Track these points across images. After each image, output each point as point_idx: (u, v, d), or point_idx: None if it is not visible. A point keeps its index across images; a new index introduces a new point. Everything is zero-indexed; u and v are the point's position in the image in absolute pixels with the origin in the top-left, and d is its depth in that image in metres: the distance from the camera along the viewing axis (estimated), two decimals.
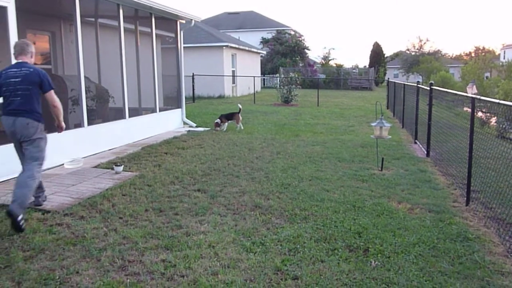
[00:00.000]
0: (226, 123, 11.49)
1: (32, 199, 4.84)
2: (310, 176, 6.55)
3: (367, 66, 50.25)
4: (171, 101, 12.42)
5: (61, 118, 4.76)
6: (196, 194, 5.52)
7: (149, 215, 4.81)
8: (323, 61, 50.51)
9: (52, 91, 4.63)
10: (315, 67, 45.04)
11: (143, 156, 7.98)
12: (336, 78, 41.66)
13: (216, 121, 11.43)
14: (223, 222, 4.56)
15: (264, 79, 41.25)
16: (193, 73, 23.61)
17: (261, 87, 37.76)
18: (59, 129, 4.86)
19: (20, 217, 4.15)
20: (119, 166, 6.76)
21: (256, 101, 23.48)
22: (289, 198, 5.40)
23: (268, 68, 42.39)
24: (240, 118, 11.81)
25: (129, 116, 9.31)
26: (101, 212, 4.87)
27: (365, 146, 9.28)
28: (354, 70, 45.06)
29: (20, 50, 4.70)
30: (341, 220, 4.63)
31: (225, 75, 26.00)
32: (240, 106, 12.45)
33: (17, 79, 4.55)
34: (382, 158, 7.22)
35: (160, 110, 10.91)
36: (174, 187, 5.88)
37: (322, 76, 42.08)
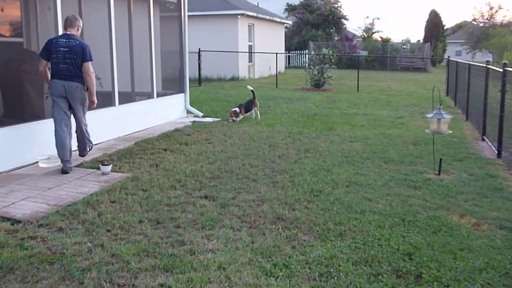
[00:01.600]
0: (242, 115, 11.85)
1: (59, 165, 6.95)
2: (348, 181, 6.63)
3: (422, 41, 49.83)
4: (172, 85, 12.60)
5: (94, 91, 6.92)
6: (202, 202, 5.62)
7: (144, 227, 4.89)
8: (364, 34, 50.28)
9: (90, 63, 6.85)
10: (354, 42, 44.91)
11: (137, 153, 8.13)
12: (381, 56, 41.44)
13: (234, 109, 11.76)
14: (237, 238, 4.63)
15: (289, 56, 41.26)
16: (199, 49, 23.70)
17: (286, 67, 37.88)
18: (91, 103, 7.00)
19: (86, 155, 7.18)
20: (106, 165, 6.86)
21: (279, 84, 23.56)
22: (320, 208, 5.47)
23: (294, 42, 42.39)
24: (258, 104, 12.39)
25: (120, 103, 9.44)
26: (84, 223, 4.95)
27: (418, 144, 9.35)
28: (404, 46, 44.77)
29: (70, 23, 6.92)
30: (386, 238, 4.67)
31: (240, 51, 26.17)
32: (252, 89, 12.65)
33: (65, 49, 6.76)
34: (440, 159, 7.23)
35: (158, 96, 11.09)
36: (175, 193, 5.98)
37: (364, 53, 41.91)
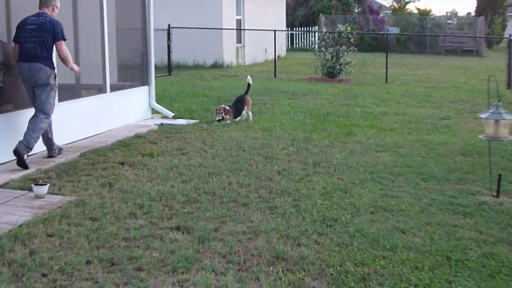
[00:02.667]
0: (229, 120, 12.11)
1: (46, 153, 8.48)
2: (372, 205, 6.68)
3: (473, 14, 50.07)
4: (132, 74, 12.73)
5: (70, 64, 8.32)
6: (173, 236, 5.64)
7: (94, 270, 4.86)
8: (395, 4, 50.52)
9: (63, 42, 8.03)
10: (381, 15, 45.03)
11: (83, 168, 8.17)
12: (418, 34, 41.61)
13: (222, 107, 12.07)
14: (221, 285, 4.62)
15: (292, 35, 41.36)
16: (169, 25, 23.80)
17: (287, 49, 37.97)
18: (75, 72, 8.64)
19: (25, 157, 7.74)
20: (42, 185, 6.86)
21: (279, 73, 23.56)
22: (335, 243, 5.50)
23: (299, 16, 42.53)
24: (250, 101, 12.67)
25: (58, 100, 9.34)
26: (11, 265, 4.91)
27: (469, 154, 9.42)
28: (450, 21, 44.89)
29: (44, 2, 8.09)
30: (426, 283, 4.66)
31: (225, 28, 26.41)
32: (250, 80, 12.90)
33: (33, 26, 7.82)
34: (499, 176, 7.23)
35: (112, 90, 11.20)
36: (136, 223, 6.00)
37: (394, 30, 42.09)
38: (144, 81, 12.55)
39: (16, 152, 7.71)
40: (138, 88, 12.40)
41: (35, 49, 7.90)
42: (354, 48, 22.45)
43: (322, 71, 21.87)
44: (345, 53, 21.67)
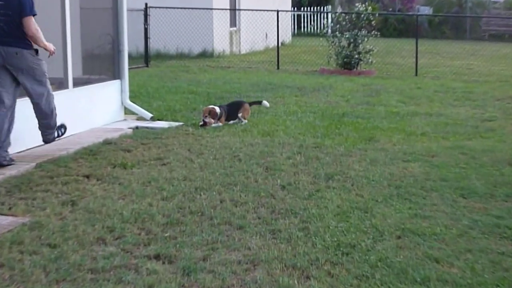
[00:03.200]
0: (221, 123, 12.28)
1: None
2: (399, 228, 6.67)
3: None
4: (100, 66, 12.78)
5: (42, 42, 8.68)
6: (152, 266, 5.61)
7: None
8: None
9: (32, 17, 8.40)
10: None
11: (40, 182, 8.12)
12: (456, 16, 41.50)
13: (208, 109, 12.21)
14: None
15: (298, 16, 41.29)
16: (146, 5, 23.88)
17: (293, 34, 38.26)
18: (50, 52, 8.94)
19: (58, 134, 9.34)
20: None
21: (283, 63, 23.61)
22: (353, 275, 5.48)
23: None
24: (249, 111, 13.02)
25: None
26: None
27: None
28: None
29: None
30: None
31: (216, 8, 26.57)
32: (268, 105, 13.64)
33: (1, 2, 8.30)
34: None
35: (75, 84, 11.20)
36: (106, 250, 5.97)
37: (426, 10, 42.04)
38: (116, 74, 12.50)
39: (48, 141, 9.29)
40: (108, 82, 12.34)
41: (4, 29, 8.41)
42: (376, 32, 22.40)
43: (336, 61, 21.94)
44: (365, 39, 21.67)
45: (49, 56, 9.01)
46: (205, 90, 16.51)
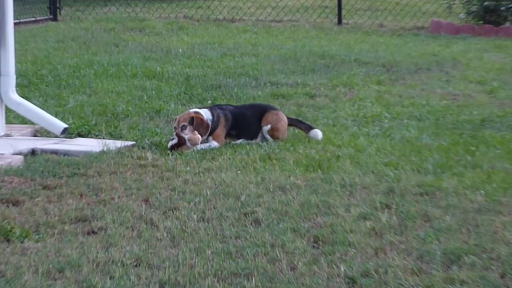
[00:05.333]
0: (219, 142, 9.11)
1: None
2: None
3: None
4: None
5: None
6: None
7: None
8: None
9: None
10: None
11: None
12: None
13: (186, 116, 8.88)
14: None
15: None
16: None
17: None
18: None
19: None
20: None
21: (349, 13, 18.11)
22: None
23: None
24: (283, 127, 9.42)
25: None
26: None
27: None
28: None
29: None
30: None
31: None
32: (320, 136, 9.80)
33: None
34: None
35: None
36: None
37: None
38: None
39: None
40: None
41: None
42: None
43: (466, 7, 16.71)
44: None
45: None
46: (181, 71, 12.10)
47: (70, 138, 9.01)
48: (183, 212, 6.50)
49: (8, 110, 9.52)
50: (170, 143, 8.38)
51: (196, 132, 8.45)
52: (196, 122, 8.50)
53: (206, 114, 8.67)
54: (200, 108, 8.97)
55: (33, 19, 16.70)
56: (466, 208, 6.73)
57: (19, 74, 10.12)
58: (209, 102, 9.77)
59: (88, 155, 8.22)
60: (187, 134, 8.43)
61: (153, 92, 10.92)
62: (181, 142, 8.38)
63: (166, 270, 5.41)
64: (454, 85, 11.76)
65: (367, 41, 15.42)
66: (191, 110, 8.81)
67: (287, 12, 18.12)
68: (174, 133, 8.50)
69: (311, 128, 9.30)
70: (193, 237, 6.00)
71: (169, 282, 5.25)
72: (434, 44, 15.09)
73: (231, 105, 9.46)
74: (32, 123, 9.64)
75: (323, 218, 6.43)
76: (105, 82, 11.49)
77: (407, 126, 9.43)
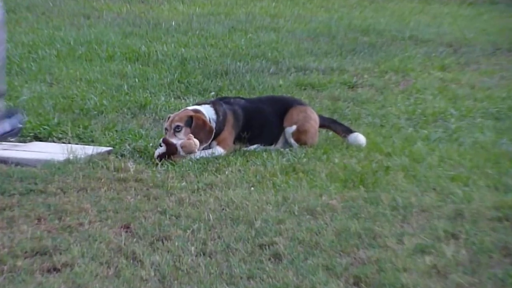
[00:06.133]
0: (226, 148, 8.39)
1: None
2: None
3: None
4: None
5: None
6: None
7: None
8: None
9: None
10: None
11: None
12: None
13: (189, 113, 8.11)
14: None
15: None
16: None
17: None
18: None
19: None
20: None
21: None
22: None
23: None
24: (314, 129, 8.45)
25: None
26: None
27: None
28: None
29: None
30: None
31: None
32: (363, 142, 8.98)
33: None
34: None
35: None
36: None
37: None
38: None
39: None
40: None
41: None
42: None
43: None
44: None
45: None
46: (174, 52, 10.86)
47: (24, 142, 7.96)
48: (176, 243, 5.56)
49: None
50: (157, 152, 7.30)
51: (191, 136, 7.32)
52: (195, 124, 7.42)
53: (208, 112, 7.62)
54: (199, 104, 7.77)
55: None
56: None
57: None
58: (212, 94, 8.63)
59: (49, 165, 7.15)
60: (180, 139, 7.39)
61: (136, 80, 9.70)
62: (171, 151, 7.33)
63: None
64: None
65: (427, 12, 14.18)
66: (190, 108, 7.72)
67: None
68: (165, 136, 7.42)
69: (350, 130, 8.24)
70: (190, 276, 5.08)
71: None
72: None
73: (243, 98, 8.31)
74: None
75: (367, 252, 5.53)
76: (71, 66, 10.25)
77: (481, 127, 8.39)
